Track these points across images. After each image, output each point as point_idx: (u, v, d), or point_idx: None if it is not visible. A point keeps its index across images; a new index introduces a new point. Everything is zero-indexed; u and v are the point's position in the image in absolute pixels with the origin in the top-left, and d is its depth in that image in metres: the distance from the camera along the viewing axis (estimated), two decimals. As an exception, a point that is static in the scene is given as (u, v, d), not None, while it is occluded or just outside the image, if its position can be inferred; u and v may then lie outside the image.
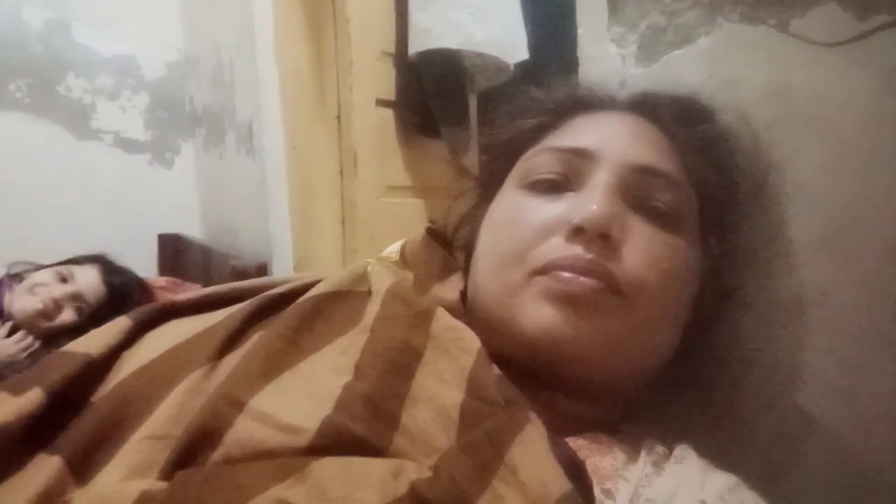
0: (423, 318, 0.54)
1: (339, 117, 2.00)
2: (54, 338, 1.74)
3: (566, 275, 0.52)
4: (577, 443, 0.52)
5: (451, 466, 0.40)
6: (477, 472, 0.40)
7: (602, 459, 0.51)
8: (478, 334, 0.54)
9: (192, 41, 2.73)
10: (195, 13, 2.66)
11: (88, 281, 1.87)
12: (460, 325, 0.54)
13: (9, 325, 1.76)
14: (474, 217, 0.69)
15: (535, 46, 1.77)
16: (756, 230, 0.65)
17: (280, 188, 1.97)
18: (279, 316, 0.55)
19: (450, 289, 0.63)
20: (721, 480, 0.50)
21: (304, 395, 0.46)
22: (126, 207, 2.60)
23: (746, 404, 0.66)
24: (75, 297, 1.82)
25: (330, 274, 0.62)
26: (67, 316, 1.79)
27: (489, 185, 0.69)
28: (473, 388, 0.48)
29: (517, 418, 0.45)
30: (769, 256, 0.64)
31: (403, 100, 1.97)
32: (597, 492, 0.47)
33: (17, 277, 1.88)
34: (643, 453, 0.53)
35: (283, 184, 1.97)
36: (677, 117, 0.63)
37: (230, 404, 0.44)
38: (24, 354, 1.71)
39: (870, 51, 0.56)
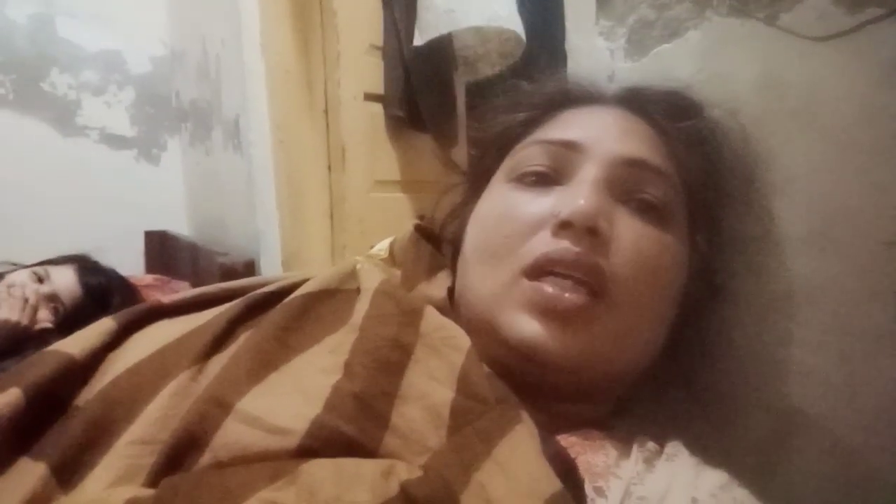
0: (412, 317, 0.54)
1: (326, 111, 2.00)
2: (33, 339, 1.72)
3: (550, 290, 0.52)
4: (569, 440, 0.52)
5: (440, 465, 0.40)
6: (464, 468, 0.40)
7: (594, 457, 0.51)
8: (465, 332, 0.53)
9: (178, 35, 2.72)
10: (181, 7, 2.65)
11: (64, 281, 1.84)
12: (450, 324, 0.54)
13: None
14: (463, 212, 0.69)
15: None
16: (745, 224, 0.64)
17: (268, 183, 1.96)
18: (267, 316, 0.54)
19: (437, 286, 0.63)
20: (712, 478, 0.50)
21: (293, 395, 0.45)
22: (112, 204, 2.59)
23: (736, 399, 0.66)
24: (51, 298, 1.80)
25: (318, 272, 0.61)
26: (43, 316, 1.77)
27: (478, 179, 0.69)
28: (464, 387, 0.47)
29: (508, 417, 0.44)
30: (759, 251, 0.63)
31: (391, 93, 1.97)
32: (588, 490, 0.47)
33: None
34: (635, 450, 0.53)
35: (270, 179, 1.96)
36: (666, 111, 0.63)
37: (217, 407, 0.43)
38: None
39: (860, 44, 0.55)
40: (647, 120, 0.62)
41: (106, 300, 1.84)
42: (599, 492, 0.48)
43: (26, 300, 1.72)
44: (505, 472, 0.40)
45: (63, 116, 2.54)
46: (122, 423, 0.45)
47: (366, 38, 1.97)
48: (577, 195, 0.54)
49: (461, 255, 0.64)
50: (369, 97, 1.99)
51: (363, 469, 0.39)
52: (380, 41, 1.97)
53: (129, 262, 2.39)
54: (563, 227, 0.54)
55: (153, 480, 0.40)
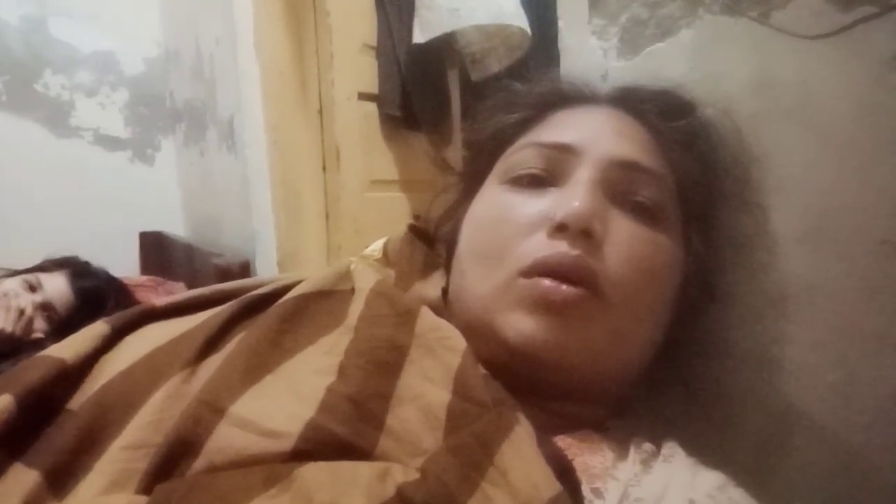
0: (407, 317, 0.54)
1: (320, 111, 1.99)
2: (27, 345, 1.71)
3: (548, 283, 0.52)
4: (566, 441, 0.52)
5: (438, 468, 0.40)
6: (465, 473, 0.40)
7: (592, 458, 0.51)
8: (460, 333, 0.53)
9: (172, 35, 2.71)
10: (174, 7, 2.64)
11: (57, 289, 1.84)
12: (446, 325, 0.54)
13: None
14: (457, 212, 0.69)
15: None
16: (740, 224, 0.64)
17: (262, 184, 1.96)
18: (261, 317, 0.54)
19: (432, 286, 0.63)
20: (709, 479, 0.50)
21: (287, 398, 0.45)
22: (107, 205, 2.58)
23: (733, 399, 0.66)
24: (44, 307, 1.79)
25: (312, 273, 0.61)
26: (38, 326, 1.77)
27: (472, 180, 0.69)
28: (460, 389, 0.47)
29: (505, 419, 0.44)
30: (753, 250, 0.63)
31: (386, 93, 1.96)
32: (586, 491, 0.47)
33: None
34: (632, 451, 0.53)
35: (265, 179, 1.95)
36: (659, 111, 0.63)
37: (210, 411, 0.43)
38: None
39: (853, 42, 0.55)
40: (641, 120, 0.62)
41: (100, 303, 1.83)
42: (597, 493, 0.48)
43: (22, 311, 1.72)
44: (506, 477, 0.40)
45: (57, 118, 2.53)
46: (115, 427, 0.44)
47: (359, 38, 1.97)
48: (572, 197, 0.54)
49: (455, 255, 0.64)
50: (363, 97, 1.99)
51: (358, 472, 0.39)
52: (373, 41, 1.96)
53: (124, 263, 2.39)
54: (559, 229, 0.53)
55: (147, 486, 0.40)
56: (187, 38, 2.46)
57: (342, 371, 0.47)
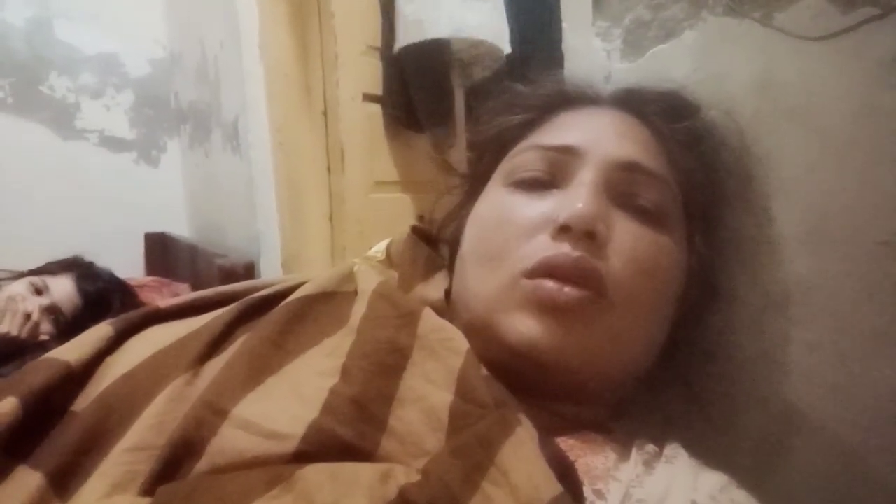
0: (410, 319, 0.54)
1: (325, 113, 1.99)
2: (33, 347, 1.71)
3: (551, 284, 0.52)
4: (568, 443, 0.52)
5: (440, 469, 0.40)
6: (466, 474, 0.40)
7: (594, 459, 0.51)
8: (462, 334, 0.53)
9: (177, 37, 2.72)
10: (179, 9, 2.64)
11: (64, 291, 1.84)
12: (448, 326, 0.54)
13: None
14: (460, 214, 0.69)
15: (519, 40, 1.76)
16: (742, 225, 0.64)
17: (267, 185, 1.96)
18: (264, 319, 0.54)
19: (434, 288, 0.63)
20: (712, 480, 0.50)
21: (290, 399, 0.45)
22: (112, 207, 2.59)
23: (735, 400, 0.66)
24: (51, 310, 1.80)
25: (316, 275, 0.61)
26: (45, 329, 1.77)
27: (475, 181, 0.69)
28: (462, 390, 0.47)
29: (507, 420, 0.44)
30: (755, 251, 0.63)
31: (390, 94, 1.96)
32: (588, 492, 0.47)
33: None
34: (634, 452, 0.53)
35: (269, 181, 1.95)
36: (662, 113, 0.63)
37: (213, 413, 0.43)
38: None
39: (855, 44, 0.55)
40: (644, 121, 0.62)
41: (105, 305, 1.83)
42: (599, 494, 0.48)
43: (29, 315, 1.72)
44: (507, 477, 0.40)
45: (62, 119, 2.54)
46: (119, 428, 0.45)
47: (363, 39, 1.97)
48: (576, 199, 0.54)
49: (459, 256, 0.64)
50: (368, 98, 1.99)
51: (360, 473, 0.39)
52: (377, 42, 1.96)
53: (129, 264, 2.40)
54: (562, 230, 0.54)
55: (149, 487, 0.40)
56: (192, 40, 2.47)
57: (345, 373, 0.47)
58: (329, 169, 2.00)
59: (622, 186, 0.57)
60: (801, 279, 0.60)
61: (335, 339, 0.52)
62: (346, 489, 0.38)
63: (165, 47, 2.79)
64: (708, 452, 0.55)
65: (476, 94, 1.91)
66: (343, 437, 0.42)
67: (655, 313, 0.58)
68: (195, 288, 2.15)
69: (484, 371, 0.50)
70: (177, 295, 2.05)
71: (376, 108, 2.00)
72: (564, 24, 0.85)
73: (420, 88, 1.88)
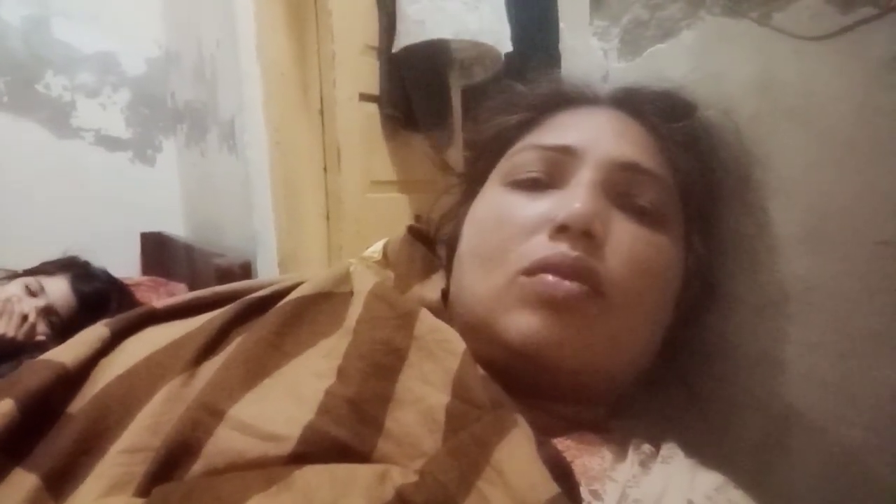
0: (406, 320, 0.54)
1: (322, 112, 1.99)
2: (29, 347, 1.71)
3: (550, 278, 0.52)
4: (565, 443, 0.52)
5: (437, 470, 0.40)
6: (463, 474, 0.40)
7: (590, 460, 0.51)
8: (459, 334, 0.53)
9: (173, 36, 2.72)
10: (176, 8, 2.65)
11: (59, 293, 1.83)
12: (445, 327, 0.54)
13: None
14: (457, 214, 0.69)
15: (517, 40, 1.76)
16: (740, 225, 0.64)
17: (264, 184, 1.96)
18: (260, 320, 0.54)
19: (431, 288, 0.63)
20: (708, 479, 0.50)
21: (286, 401, 0.45)
22: (108, 206, 2.59)
23: (733, 400, 0.66)
24: (47, 311, 1.79)
25: (312, 275, 0.61)
26: (41, 330, 1.77)
27: (473, 181, 0.69)
28: (459, 391, 0.47)
29: (504, 421, 0.44)
30: (753, 251, 0.63)
31: (387, 94, 1.96)
32: (584, 493, 0.47)
33: None
34: (631, 452, 0.53)
35: (266, 180, 1.96)
36: (660, 112, 0.63)
37: (210, 414, 0.43)
38: None
39: (854, 44, 0.55)
40: (642, 121, 0.62)
41: (101, 305, 1.83)
42: (595, 495, 0.48)
43: (25, 317, 1.72)
44: (503, 478, 0.40)
45: (58, 118, 2.54)
46: (114, 430, 0.44)
47: (361, 39, 1.97)
48: (573, 199, 0.54)
49: (456, 256, 0.64)
50: (364, 97, 1.99)
51: (357, 474, 0.39)
52: (375, 41, 1.97)
53: (125, 264, 2.40)
54: (560, 230, 0.53)
55: (145, 489, 0.40)
56: (188, 39, 2.47)
57: (341, 374, 0.47)
58: (326, 168, 2.01)
59: (620, 186, 0.57)
60: (800, 279, 0.60)
61: (331, 341, 0.52)
62: (343, 490, 0.38)
63: (162, 46, 2.79)
64: (706, 452, 0.54)
65: (474, 94, 1.91)
66: (339, 439, 0.42)
67: (653, 313, 0.58)
68: (192, 287, 2.15)
69: (481, 371, 0.50)
70: (173, 294, 2.05)
71: (373, 108, 2.01)
72: (562, 24, 0.85)
73: (418, 88, 1.89)
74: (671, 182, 0.60)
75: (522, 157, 0.61)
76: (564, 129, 0.62)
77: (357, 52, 1.97)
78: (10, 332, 1.67)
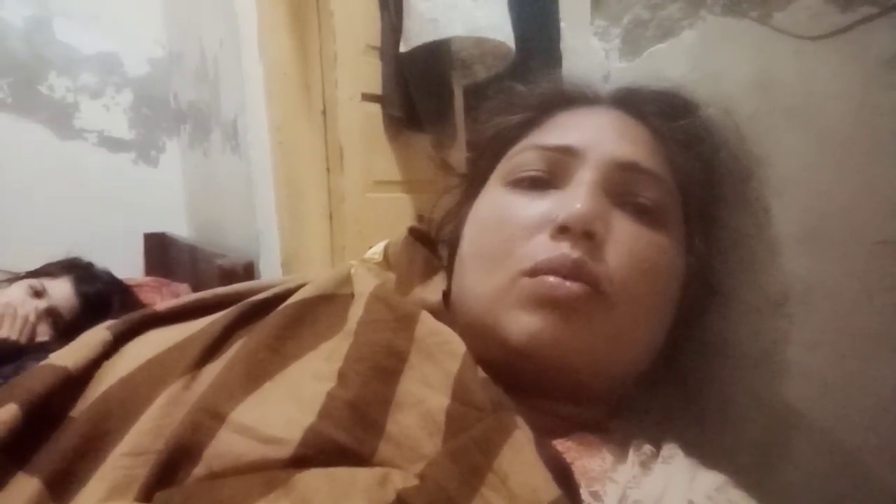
0: (407, 322, 0.54)
1: (324, 112, 1.99)
2: (31, 349, 1.71)
3: (552, 279, 0.52)
4: (565, 445, 0.52)
5: (437, 474, 0.40)
6: (464, 478, 0.40)
7: (590, 461, 0.51)
8: (460, 336, 0.53)
9: (176, 37, 2.72)
10: (178, 8, 2.64)
11: (62, 294, 1.84)
12: (445, 329, 0.54)
13: None
14: (459, 214, 0.69)
15: (518, 40, 1.76)
16: (740, 224, 0.64)
17: (266, 185, 1.96)
18: (261, 323, 0.54)
19: (432, 290, 0.63)
20: (709, 479, 0.50)
21: (287, 404, 0.45)
22: (111, 207, 2.59)
23: (732, 399, 0.66)
24: (50, 313, 1.80)
25: (314, 277, 0.61)
26: (42, 331, 1.77)
27: (474, 181, 0.69)
28: (459, 393, 0.47)
29: (505, 423, 0.44)
30: (754, 250, 0.63)
31: (390, 93, 1.96)
32: (585, 494, 0.47)
33: None
34: (631, 453, 0.53)
35: (269, 180, 1.95)
36: (661, 112, 0.63)
37: (210, 417, 0.43)
38: None
39: (854, 43, 0.55)
40: (642, 121, 0.62)
41: (104, 307, 1.83)
42: (596, 497, 0.48)
43: (26, 319, 1.72)
44: (505, 483, 0.40)
45: (61, 119, 2.54)
46: (116, 433, 0.45)
47: (363, 39, 1.97)
48: (574, 199, 0.54)
49: (458, 256, 0.64)
50: (367, 97, 1.99)
51: (358, 478, 0.39)
52: (377, 41, 1.96)
53: (128, 265, 2.40)
54: (561, 230, 0.53)
55: (147, 492, 0.40)
56: (191, 40, 2.47)
57: (342, 377, 0.47)
58: (328, 168, 2.00)
59: (621, 186, 0.57)
60: (800, 279, 0.60)
61: (332, 343, 0.52)
62: (343, 493, 0.38)
63: (164, 47, 2.79)
64: (706, 452, 0.54)
65: (476, 93, 1.91)
66: (340, 442, 0.42)
67: (654, 312, 0.58)
68: (195, 288, 2.15)
69: (481, 373, 0.50)
70: (176, 295, 2.06)
71: (375, 108, 2.00)
72: (563, 24, 0.85)
73: (421, 87, 1.88)
74: (671, 182, 0.60)
75: (523, 157, 0.61)
76: (565, 130, 0.62)
77: (359, 53, 1.97)
78: (14, 336, 1.67)
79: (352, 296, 0.59)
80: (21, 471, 0.43)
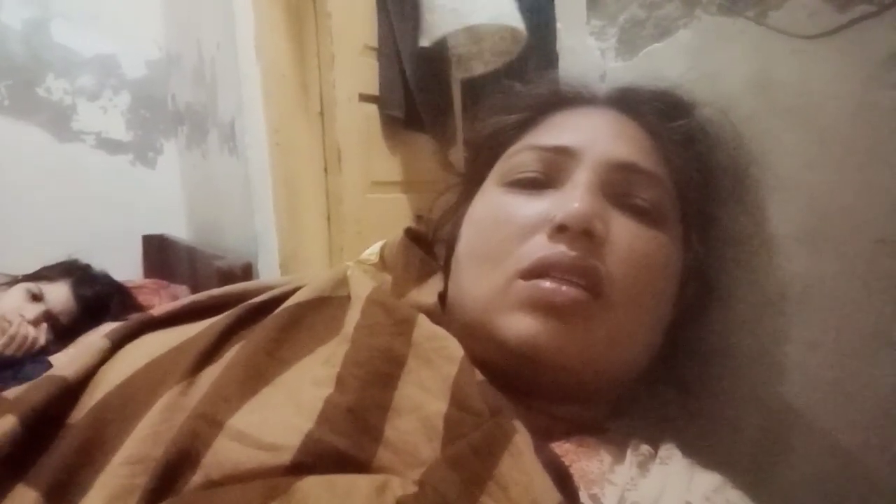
0: (404, 326, 0.53)
1: (322, 113, 1.99)
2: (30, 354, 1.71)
3: (548, 284, 0.52)
4: (563, 447, 0.52)
5: (436, 481, 0.40)
6: (464, 486, 0.40)
7: (589, 463, 0.51)
8: (457, 338, 0.53)
9: (173, 38, 2.72)
10: (176, 10, 2.65)
11: (60, 298, 1.83)
12: (442, 333, 0.54)
13: None
14: (456, 214, 0.68)
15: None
16: (738, 224, 0.64)
17: (264, 186, 1.96)
18: (258, 327, 0.54)
19: (428, 292, 0.63)
20: (706, 480, 0.50)
21: (285, 409, 0.45)
22: (109, 209, 2.59)
23: (730, 399, 0.65)
24: (47, 317, 1.79)
25: (310, 279, 0.61)
26: (41, 334, 1.77)
27: (471, 181, 0.68)
28: (457, 398, 0.47)
29: (503, 429, 0.44)
30: (751, 250, 0.63)
31: (388, 94, 1.96)
32: (584, 497, 0.47)
33: None
34: (629, 454, 0.53)
35: (267, 181, 1.95)
36: (658, 112, 0.63)
37: (208, 424, 0.43)
38: None
39: (850, 42, 0.55)
40: (639, 121, 0.62)
41: (102, 309, 1.83)
42: (595, 499, 0.48)
43: (25, 338, 1.71)
44: (506, 492, 0.40)
45: (59, 121, 2.54)
46: (114, 440, 0.44)
47: (360, 39, 1.97)
48: (572, 198, 0.54)
49: (454, 257, 0.64)
50: (364, 98, 1.99)
51: (357, 485, 0.39)
52: (374, 42, 1.97)
53: (126, 267, 2.40)
54: (559, 230, 0.53)
55: (147, 502, 0.40)
56: (188, 41, 2.47)
57: (340, 382, 0.47)
58: (326, 169, 2.01)
59: (618, 186, 0.57)
60: (799, 278, 0.60)
61: (329, 347, 0.52)
62: (343, 501, 0.38)
63: (162, 48, 2.79)
64: (704, 452, 0.54)
65: (474, 91, 1.91)
66: (339, 448, 0.42)
67: (653, 312, 0.58)
68: (194, 289, 2.15)
69: (479, 377, 0.49)
70: (175, 297, 2.06)
71: (373, 109, 2.01)
72: (559, 24, 0.84)
73: (422, 86, 1.88)
74: (669, 181, 0.59)
75: (520, 157, 0.61)
76: (562, 130, 0.62)
77: (356, 53, 1.97)
78: (10, 350, 1.67)
79: (348, 298, 0.59)
80: (21, 483, 0.42)
